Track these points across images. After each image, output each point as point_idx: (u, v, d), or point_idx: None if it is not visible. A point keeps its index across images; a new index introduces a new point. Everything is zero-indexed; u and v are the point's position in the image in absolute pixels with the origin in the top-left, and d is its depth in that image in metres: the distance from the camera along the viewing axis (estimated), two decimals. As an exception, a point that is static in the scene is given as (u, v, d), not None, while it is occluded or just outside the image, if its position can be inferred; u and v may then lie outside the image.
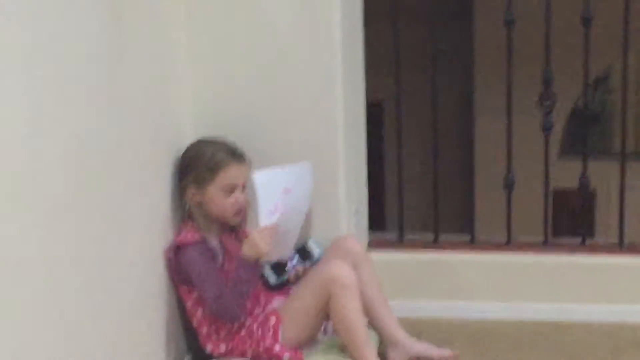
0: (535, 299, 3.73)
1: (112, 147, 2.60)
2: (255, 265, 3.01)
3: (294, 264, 3.30)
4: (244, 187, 3.14)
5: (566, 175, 5.62)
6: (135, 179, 2.79)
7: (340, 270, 3.00)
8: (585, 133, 4.29)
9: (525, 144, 5.16)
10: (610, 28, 4.45)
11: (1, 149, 1.97)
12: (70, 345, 2.31)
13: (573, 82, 5.36)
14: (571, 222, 7.96)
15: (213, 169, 3.08)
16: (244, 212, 3.18)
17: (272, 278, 3.30)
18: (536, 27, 4.16)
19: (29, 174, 2.09)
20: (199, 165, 3.09)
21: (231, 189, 3.10)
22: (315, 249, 3.32)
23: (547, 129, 3.89)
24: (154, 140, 3.00)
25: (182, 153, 3.17)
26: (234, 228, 3.22)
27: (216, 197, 3.09)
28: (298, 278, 3.26)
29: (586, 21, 3.78)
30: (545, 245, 3.90)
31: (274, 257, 3.19)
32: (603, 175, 6.85)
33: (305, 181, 3.22)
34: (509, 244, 3.93)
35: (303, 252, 3.34)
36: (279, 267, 3.32)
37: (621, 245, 3.86)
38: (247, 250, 3.00)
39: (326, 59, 3.34)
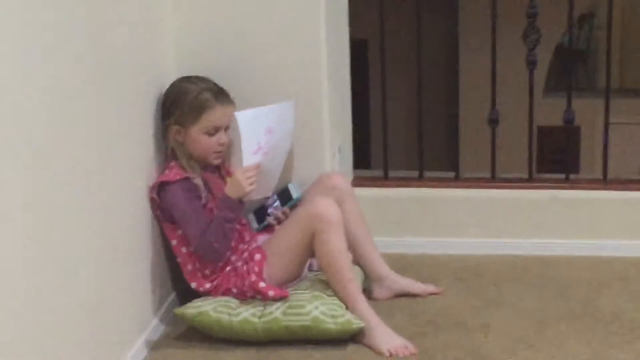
0: (520, 234, 3.74)
1: (94, 88, 2.58)
2: (238, 204, 3.01)
3: (274, 209, 3.30)
4: (227, 128, 3.12)
5: (550, 112, 5.63)
6: (117, 119, 2.77)
7: (324, 207, 3.00)
8: (569, 69, 4.27)
9: (510, 81, 5.15)
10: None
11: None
12: (56, 284, 2.31)
13: (557, 19, 5.34)
14: (555, 159, 7.99)
15: (197, 111, 3.06)
16: (224, 152, 3.17)
17: (254, 223, 3.30)
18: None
19: (12, 119, 2.08)
20: (183, 106, 3.07)
21: (215, 130, 3.08)
22: (294, 192, 3.32)
23: (531, 63, 3.87)
24: (136, 79, 2.98)
25: (165, 91, 3.14)
26: (216, 167, 3.21)
27: (199, 137, 3.08)
28: (279, 222, 3.25)
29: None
30: (530, 180, 3.90)
31: (257, 196, 3.19)
32: (587, 112, 6.87)
33: (287, 120, 3.21)
34: (493, 179, 3.93)
35: (283, 196, 3.33)
36: (260, 213, 3.32)
37: (605, 180, 3.87)
38: (230, 189, 3.00)
39: (309, -5, 3.31)
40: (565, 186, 3.83)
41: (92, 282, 2.55)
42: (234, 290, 3.03)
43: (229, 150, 3.22)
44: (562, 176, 3.92)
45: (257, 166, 3.02)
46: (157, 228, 3.09)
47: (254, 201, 3.26)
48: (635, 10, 9.40)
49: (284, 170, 3.28)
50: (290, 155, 3.33)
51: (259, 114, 3.07)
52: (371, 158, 8.00)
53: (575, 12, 3.93)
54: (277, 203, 3.32)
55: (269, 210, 3.30)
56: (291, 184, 3.35)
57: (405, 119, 6.62)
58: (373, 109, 8.28)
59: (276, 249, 3.06)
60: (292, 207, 3.27)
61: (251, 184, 2.99)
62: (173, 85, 3.15)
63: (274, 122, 3.09)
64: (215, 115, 3.08)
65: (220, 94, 3.11)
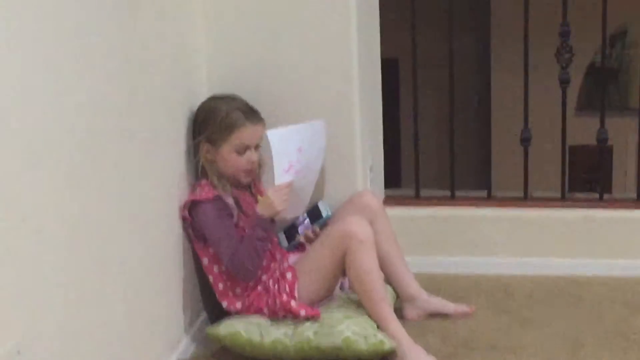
0: (553, 254, 3.71)
1: (127, 105, 2.59)
2: (270, 223, 3.01)
3: (304, 227, 3.30)
4: (257, 147, 3.12)
5: (582, 131, 5.58)
6: (150, 137, 2.78)
7: (356, 226, 2.99)
8: (603, 87, 4.25)
9: (542, 100, 5.13)
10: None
11: (18, 110, 1.96)
12: (88, 303, 2.31)
13: (589, 38, 5.31)
14: (587, 179, 7.94)
15: (227, 129, 3.06)
16: (255, 171, 3.16)
17: (284, 242, 3.30)
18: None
19: (45, 137, 2.08)
20: (213, 124, 3.07)
21: (244, 149, 3.08)
22: (324, 210, 3.31)
23: (564, 82, 3.85)
24: (169, 97, 2.99)
25: (196, 109, 3.15)
26: (248, 186, 3.21)
27: (229, 156, 3.08)
28: (309, 241, 3.25)
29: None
30: (563, 200, 3.87)
31: (289, 215, 3.19)
32: (619, 131, 6.81)
33: (318, 139, 3.21)
34: (526, 199, 3.91)
35: (313, 213, 3.32)
36: (290, 231, 3.31)
37: (639, 200, 3.83)
38: (262, 208, 2.99)
39: (341, 14, 3.31)
40: (599, 205, 3.79)
41: (123, 301, 2.54)
42: (265, 310, 3.02)
43: (260, 170, 3.21)
44: (596, 195, 3.89)
45: (289, 185, 3.02)
46: (189, 247, 3.09)
47: (284, 220, 3.25)
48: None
49: (316, 189, 3.27)
50: (322, 174, 3.33)
51: (291, 133, 3.07)
52: (401, 177, 7.98)
53: (607, 31, 3.90)
54: (307, 221, 3.31)
55: (300, 229, 3.29)
56: (321, 202, 3.34)
57: (436, 137, 6.60)
58: (403, 128, 8.28)
59: (307, 268, 3.05)
60: (322, 226, 3.26)
61: (283, 202, 2.98)
62: (204, 103, 3.16)
63: (305, 141, 3.09)
64: (245, 133, 3.08)
65: (251, 113, 3.11)
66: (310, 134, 3.15)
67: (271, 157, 3.00)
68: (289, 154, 3.04)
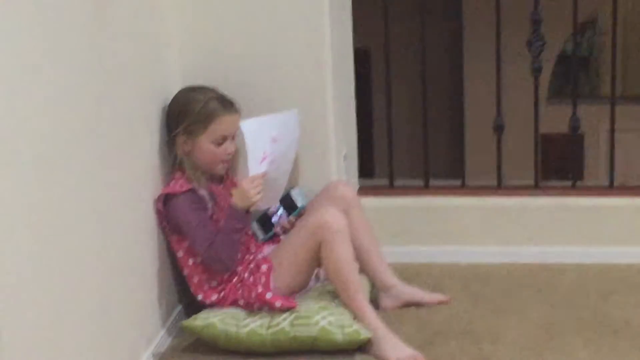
0: (527, 242, 3.72)
1: (99, 98, 2.57)
2: (245, 214, 3.00)
3: (279, 217, 3.29)
4: (234, 137, 3.11)
5: (553, 120, 5.60)
6: (123, 130, 2.76)
7: (331, 216, 2.99)
8: (575, 76, 4.26)
9: (513, 89, 5.14)
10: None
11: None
12: (63, 297, 2.30)
13: (559, 27, 5.32)
14: (558, 167, 7.96)
15: (205, 120, 3.05)
16: (230, 161, 3.16)
17: (259, 233, 3.29)
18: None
19: (15, 129, 2.06)
20: (190, 116, 3.05)
21: (222, 139, 3.08)
22: (298, 199, 3.30)
23: (536, 70, 3.85)
24: (141, 90, 2.97)
25: (170, 101, 3.13)
26: (222, 178, 3.20)
27: (207, 147, 3.07)
28: (285, 231, 3.24)
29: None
30: (536, 188, 3.89)
31: (264, 206, 3.19)
32: (590, 119, 6.83)
33: (292, 129, 3.20)
34: (499, 187, 3.92)
35: (287, 203, 3.30)
36: (265, 222, 3.30)
37: (612, 187, 3.85)
38: (237, 199, 2.99)
39: (314, 4, 3.30)
40: (572, 193, 3.81)
41: (97, 294, 2.53)
42: (241, 302, 3.01)
43: (234, 161, 3.21)
44: (569, 183, 3.90)
45: (264, 175, 3.01)
46: (163, 240, 3.08)
47: (258, 210, 3.24)
48: (637, 18, 9.38)
49: (290, 178, 3.27)
50: (296, 164, 3.32)
51: (264, 123, 3.06)
52: (374, 167, 7.98)
53: (578, 19, 3.91)
54: (281, 210, 3.30)
55: (274, 219, 3.29)
56: (294, 190, 3.31)
57: (408, 128, 6.59)
58: (375, 118, 8.27)
59: (283, 259, 3.04)
60: (298, 216, 3.25)
61: (258, 193, 2.98)
62: (179, 95, 3.15)
63: (278, 131, 3.09)
64: (223, 123, 3.07)
65: (227, 103, 3.11)
66: (284, 124, 3.15)
67: (245, 148, 2.99)
68: (263, 145, 3.04)
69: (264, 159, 3.02)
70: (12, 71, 2.06)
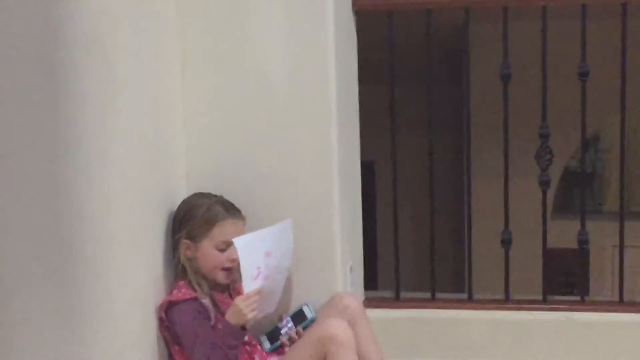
0: (535, 356, 3.67)
1: (105, 203, 2.55)
2: (240, 330, 2.96)
3: (287, 329, 3.24)
4: (238, 244, 3.09)
5: (557, 235, 5.58)
6: (128, 236, 2.74)
7: (337, 328, 2.95)
8: (582, 192, 4.27)
9: (517, 204, 5.13)
10: (600, 90, 4.45)
11: None
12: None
13: (563, 143, 5.36)
14: (563, 282, 7.91)
15: (208, 223, 3.04)
16: (234, 271, 3.12)
17: (266, 344, 3.24)
18: (529, 87, 4.17)
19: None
20: (194, 219, 3.04)
21: (225, 245, 3.05)
22: (309, 313, 3.26)
23: (544, 183, 3.84)
24: (148, 196, 2.96)
25: (177, 206, 3.12)
26: (226, 287, 3.16)
27: (209, 252, 3.05)
28: (292, 341, 3.19)
29: (583, 75, 3.75)
30: (544, 302, 3.84)
31: (260, 315, 3.14)
32: (594, 234, 6.81)
33: (286, 240, 3.18)
34: (507, 301, 3.87)
35: (298, 318, 3.26)
36: (273, 334, 3.25)
37: (621, 302, 3.81)
38: (231, 316, 2.95)
39: (322, 115, 3.32)
40: (581, 308, 3.77)
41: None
42: (245, 413, 2.95)
43: (238, 269, 3.17)
44: (577, 298, 3.86)
45: (258, 291, 2.98)
46: (164, 349, 3.02)
47: (264, 322, 3.20)
48: (637, 135, 9.46)
49: (297, 291, 3.26)
50: (302, 275, 3.29)
51: (257, 238, 3.03)
52: (378, 279, 7.94)
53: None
54: (291, 324, 3.25)
55: (282, 331, 3.24)
56: (306, 306, 3.27)
57: (413, 241, 6.59)
58: (380, 231, 8.26)
59: (287, 371, 2.98)
60: (306, 327, 3.20)
61: (252, 310, 2.94)
62: (185, 199, 3.15)
63: (272, 244, 3.06)
64: (226, 228, 3.05)
65: (231, 208, 3.10)
66: (277, 237, 3.11)
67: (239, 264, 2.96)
68: (257, 260, 3.00)
69: (258, 274, 3.00)
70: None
